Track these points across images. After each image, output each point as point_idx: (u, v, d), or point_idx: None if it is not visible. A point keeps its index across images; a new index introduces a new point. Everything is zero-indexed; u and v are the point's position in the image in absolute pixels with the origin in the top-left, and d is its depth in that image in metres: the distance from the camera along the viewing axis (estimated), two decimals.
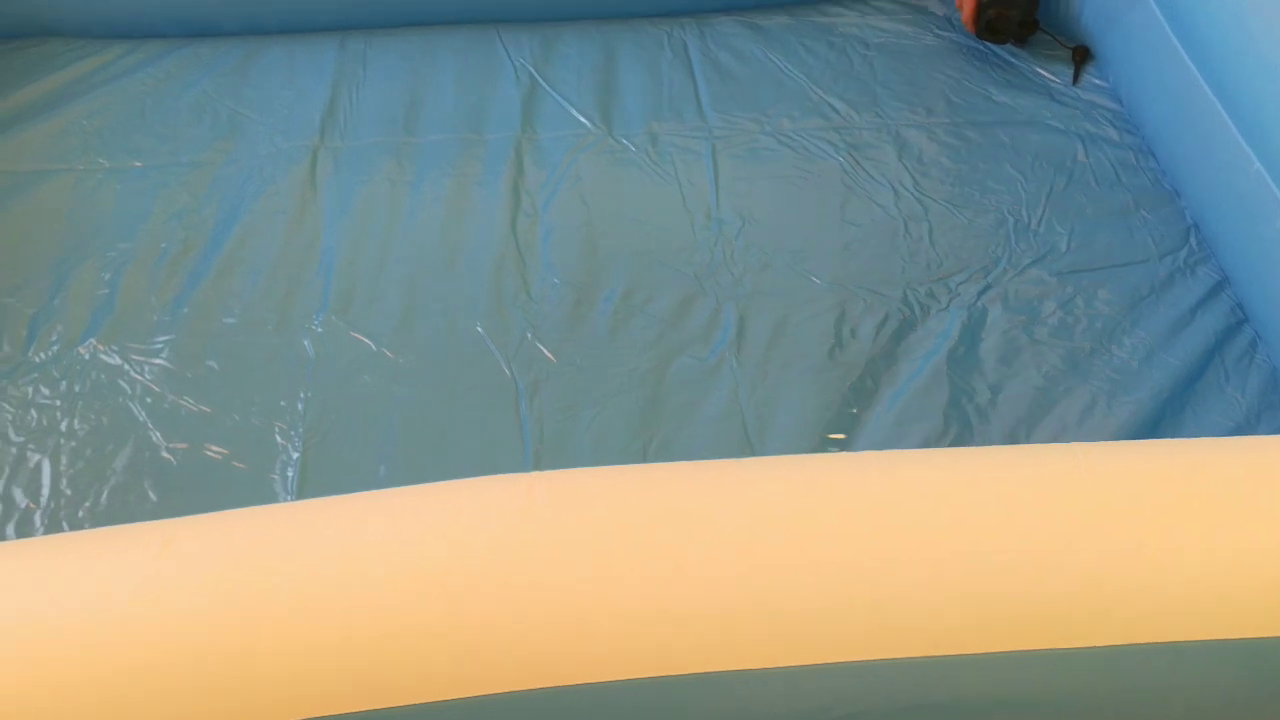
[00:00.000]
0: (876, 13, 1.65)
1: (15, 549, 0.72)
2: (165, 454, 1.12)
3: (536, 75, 1.54)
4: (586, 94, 1.51)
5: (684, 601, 0.62)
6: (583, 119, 1.48)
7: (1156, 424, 1.14)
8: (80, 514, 1.08)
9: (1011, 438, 1.14)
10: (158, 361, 1.20)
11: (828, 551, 0.63)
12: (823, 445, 1.13)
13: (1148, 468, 0.69)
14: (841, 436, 1.14)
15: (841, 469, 0.76)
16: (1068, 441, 1.11)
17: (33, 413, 1.15)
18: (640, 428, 1.14)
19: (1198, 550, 0.63)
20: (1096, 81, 1.53)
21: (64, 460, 1.12)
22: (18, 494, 1.09)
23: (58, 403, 1.16)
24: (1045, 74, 1.55)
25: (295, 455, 1.12)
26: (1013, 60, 1.57)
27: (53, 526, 1.07)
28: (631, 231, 1.34)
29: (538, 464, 1.11)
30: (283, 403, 1.16)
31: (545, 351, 1.20)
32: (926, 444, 1.14)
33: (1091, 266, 1.29)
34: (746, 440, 1.13)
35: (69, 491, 1.09)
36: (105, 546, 0.69)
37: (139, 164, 1.42)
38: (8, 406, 1.16)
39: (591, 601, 0.62)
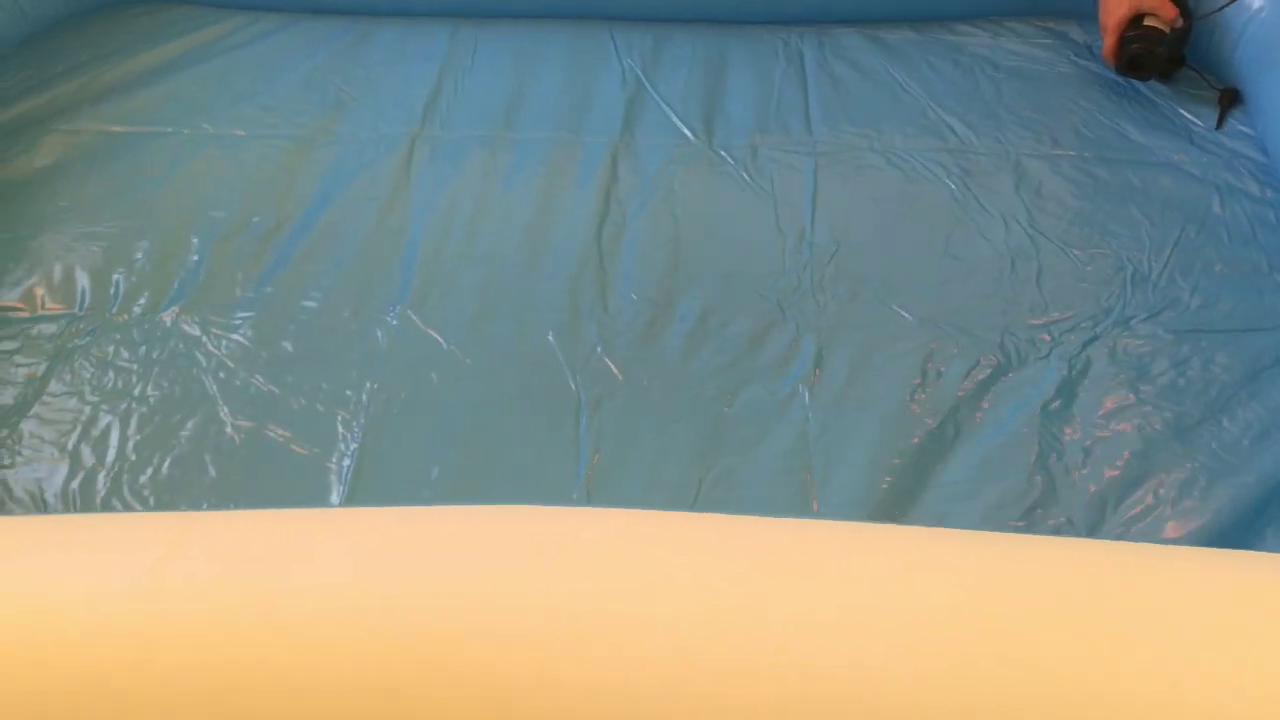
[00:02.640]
0: (1011, 34, 1.56)
1: (28, 525, 0.72)
2: (229, 430, 1.13)
3: (643, 78, 1.50)
4: (692, 101, 1.47)
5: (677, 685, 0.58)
6: (684, 128, 1.43)
7: (1260, 511, 1.03)
8: (141, 480, 1.09)
9: (1099, 505, 1.06)
10: (235, 337, 1.21)
11: (828, 652, 0.58)
12: (890, 494, 1.06)
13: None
14: (900, 486, 1.07)
15: (892, 543, 0.71)
16: (1156, 517, 1.04)
17: (110, 374, 1.18)
18: (700, 456, 1.09)
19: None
20: (1243, 129, 1.41)
21: (133, 425, 1.13)
22: (85, 453, 1.11)
23: (135, 367, 1.18)
24: (1187, 115, 1.43)
25: (354, 446, 1.12)
26: (1153, 97, 1.46)
27: (114, 489, 1.09)
28: (719, 250, 1.29)
29: (590, 483, 1.08)
30: (349, 392, 1.16)
31: (613, 367, 1.17)
32: (1004, 504, 1.06)
33: (1213, 328, 1.19)
34: (810, 481, 1.08)
35: (133, 456, 1.11)
36: (116, 535, 0.69)
37: (242, 132, 1.44)
38: (89, 365, 1.18)
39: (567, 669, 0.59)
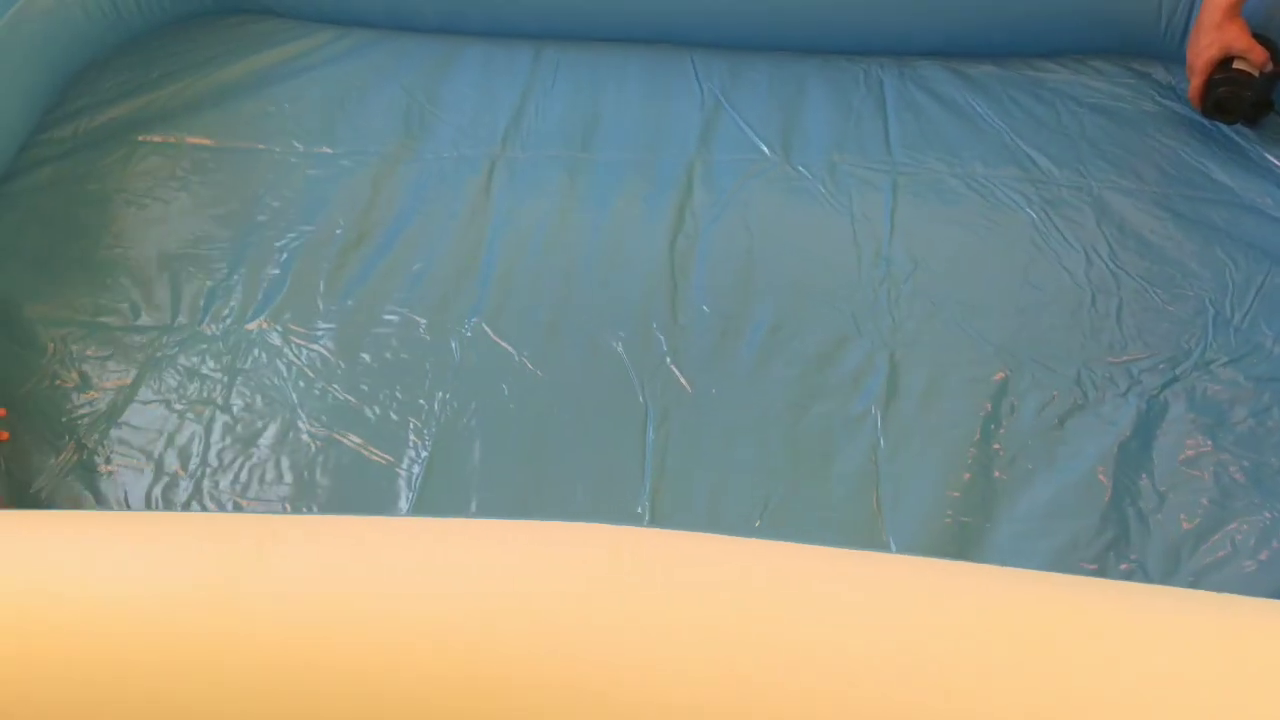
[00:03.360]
0: (1094, 73, 1.54)
1: (119, 520, 0.75)
2: (306, 437, 1.16)
3: (722, 99, 1.51)
4: (770, 121, 1.47)
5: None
6: (762, 144, 1.44)
7: None
8: (222, 485, 1.12)
9: (1173, 552, 1.04)
10: (316, 348, 1.23)
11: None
12: (959, 527, 1.06)
13: None
14: (968, 520, 1.06)
15: (961, 580, 0.70)
16: (1231, 567, 1.02)
17: (196, 383, 1.21)
18: (767, 473, 1.09)
19: None
20: None
21: (216, 432, 1.16)
22: (170, 459, 1.15)
23: (220, 376, 1.21)
24: (1274, 160, 1.40)
25: (424, 454, 1.14)
26: (1239, 140, 1.43)
27: (196, 494, 1.12)
28: (792, 262, 1.29)
29: (655, 494, 1.08)
30: (422, 401, 1.18)
31: (682, 379, 1.18)
32: (1076, 545, 1.05)
33: None
34: (877, 507, 1.07)
35: (215, 463, 1.14)
36: (206, 534, 0.71)
37: (329, 150, 1.47)
38: (176, 374, 1.22)
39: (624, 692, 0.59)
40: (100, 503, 1.11)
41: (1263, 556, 1.02)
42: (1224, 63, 1.40)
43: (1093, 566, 1.02)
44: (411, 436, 1.15)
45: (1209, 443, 1.11)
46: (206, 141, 1.48)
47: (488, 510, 1.08)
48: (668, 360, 1.19)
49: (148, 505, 1.11)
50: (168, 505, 1.11)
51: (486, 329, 1.24)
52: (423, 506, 1.09)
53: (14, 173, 1.43)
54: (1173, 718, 0.56)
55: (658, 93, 1.52)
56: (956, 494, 1.08)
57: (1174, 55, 1.53)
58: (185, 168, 1.45)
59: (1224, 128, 1.45)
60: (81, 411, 1.18)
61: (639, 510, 1.07)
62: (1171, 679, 0.59)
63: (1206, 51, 1.39)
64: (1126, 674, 0.59)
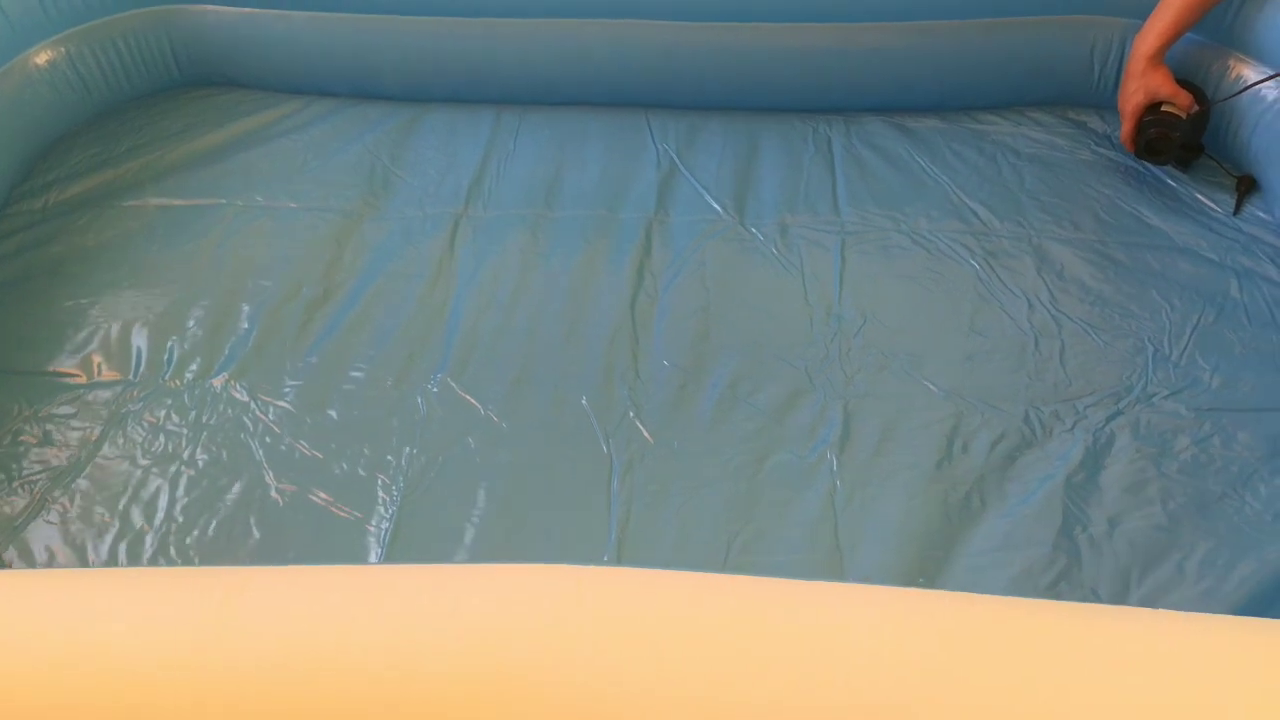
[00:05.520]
0: (1032, 124, 1.62)
1: (90, 577, 0.76)
2: (274, 494, 1.17)
3: (677, 160, 1.56)
4: (724, 181, 1.53)
5: None
6: (716, 206, 1.49)
7: None
8: (188, 541, 1.13)
9: (1123, 577, 1.07)
10: (282, 404, 1.25)
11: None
12: (916, 563, 1.08)
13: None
14: (925, 556, 1.09)
15: (926, 609, 0.73)
16: (1180, 591, 1.05)
17: (161, 438, 1.22)
18: (728, 520, 1.12)
19: None
20: (1260, 214, 1.45)
21: (181, 488, 1.17)
22: (135, 514, 1.15)
23: (185, 431, 1.23)
24: (1205, 201, 1.47)
25: (393, 509, 1.15)
26: (1172, 183, 1.51)
27: (161, 550, 1.12)
28: (748, 320, 1.33)
29: (620, 543, 1.11)
30: (389, 457, 1.20)
31: (644, 431, 1.21)
32: (1029, 573, 1.08)
33: (1233, 407, 1.21)
34: (837, 547, 1.10)
35: (181, 519, 1.15)
36: (175, 586, 0.72)
37: (293, 205, 1.51)
38: (141, 430, 1.23)
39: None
40: (63, 559, 1.11)
41: (1209, 578, 1.06)
42: (1153, 106, 1.47)
43: (1046, 595, 1.05)
44: (380, 492, 1.17)
45: (1154, 471, 1.15)
46: (174, 202, 1.52)
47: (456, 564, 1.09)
48: (630, 414, 1.22)
49: (112, 560, 1.11)
50: (132, 560, 1.11)
51: (452, 384, 1.27)
52: (392, 562, 1.10)
53: None
54: None
55: (616, 152, 1.58)
56: (913, 532, 1.11)
57: (1108, 104, 1.61)
58: (149, 226, 1.48)
59: (1157, 171, 1.52)
60: (44, 467, 1.19)
61: (605, 559, 1.09)
62: (1129, 695, 0.62)
63: (1134, 98, 1.47)
64: (1085, 690, 0.61)
